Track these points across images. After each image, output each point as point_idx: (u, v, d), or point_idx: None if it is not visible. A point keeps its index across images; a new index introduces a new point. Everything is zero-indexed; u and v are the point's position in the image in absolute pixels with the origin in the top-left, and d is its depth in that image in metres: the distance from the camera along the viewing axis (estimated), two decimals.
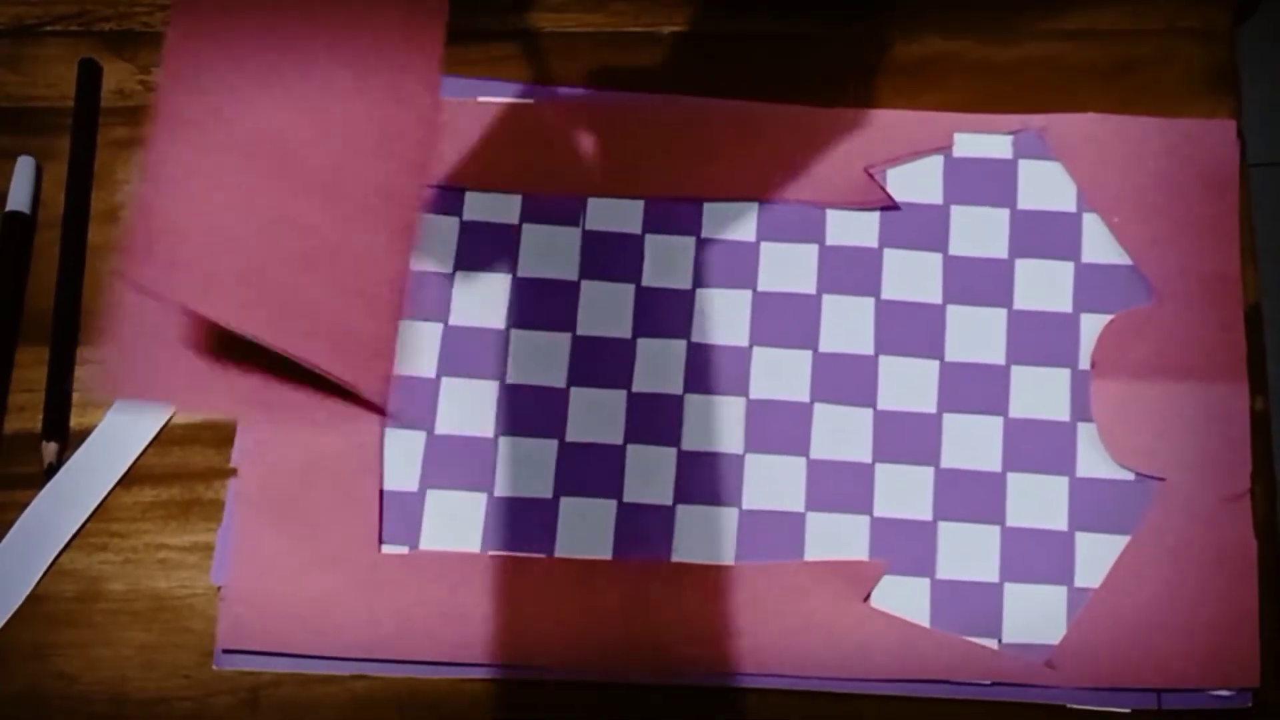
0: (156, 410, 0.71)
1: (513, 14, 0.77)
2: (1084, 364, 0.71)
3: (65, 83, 0.76)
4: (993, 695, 0.68)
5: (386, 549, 0.69)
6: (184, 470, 0.71)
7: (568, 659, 0.68)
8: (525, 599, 0.69)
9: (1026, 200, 0.73)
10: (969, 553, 0.69)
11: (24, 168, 0.75)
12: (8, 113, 0.76)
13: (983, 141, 0.74)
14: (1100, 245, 0.73)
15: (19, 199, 0.74)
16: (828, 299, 0.72)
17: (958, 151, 0.74)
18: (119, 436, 0.71)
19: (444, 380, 0.72)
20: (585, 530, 0.70)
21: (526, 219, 0.74)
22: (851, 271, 0.73)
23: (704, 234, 0.73)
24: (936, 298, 0.72)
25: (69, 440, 0.71)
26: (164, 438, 0.72)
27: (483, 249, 0.74)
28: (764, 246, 0.73)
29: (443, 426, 0.71)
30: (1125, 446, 0.70)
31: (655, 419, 0.71)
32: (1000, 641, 0.68)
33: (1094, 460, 0.70)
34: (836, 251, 0.73)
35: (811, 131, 0.75)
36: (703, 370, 0.72)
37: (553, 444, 0.71)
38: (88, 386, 0.72)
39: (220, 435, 0.71)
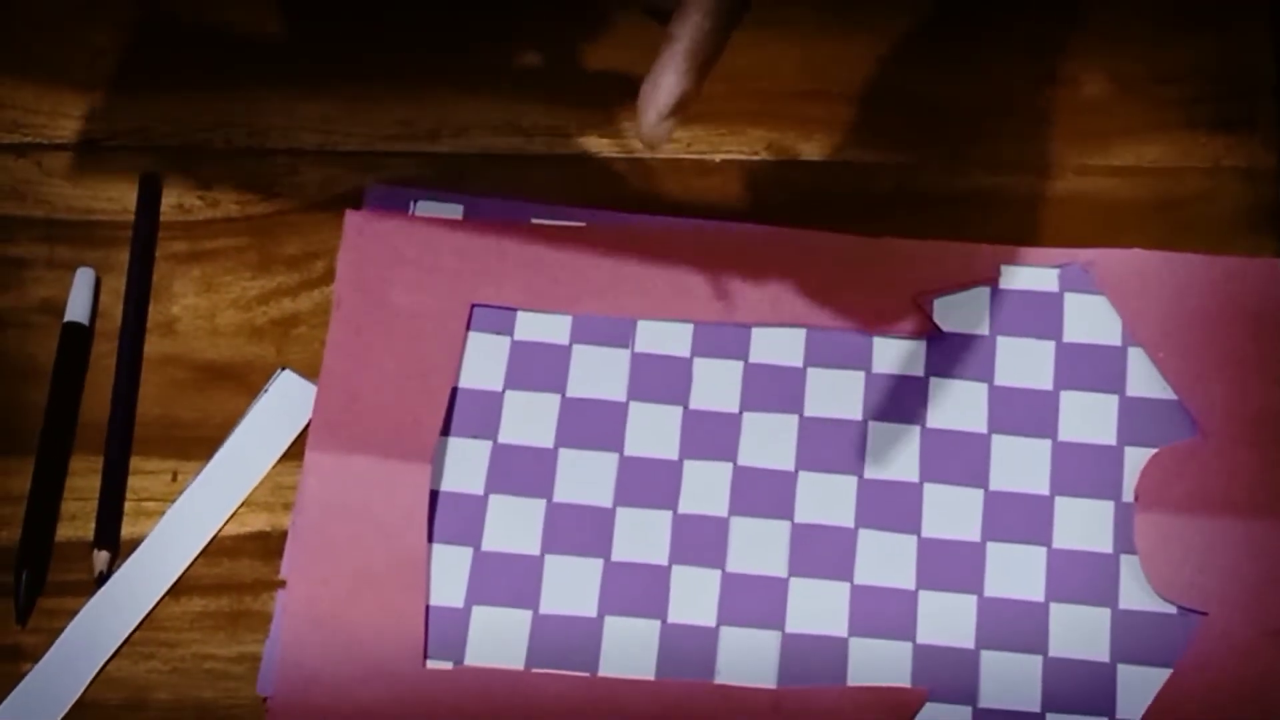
0: (205, 523, 0.72)
1: (566, 137, 0.79)
2: (1127, 496, 0.72)
3: (126, 197, 0.78)
4: None
5: (431, 664, 0.70)
6: (233, 581, 0.72)
7: None
8: (568, 717, 0.69)
9: (1072, 333, 0.74)
10: (1011, 681, 0.69)
11: (83, 279, 0.76)
12: (69, 225, 0.78)
13: (1029, 274, 0.75)
14: (1145, 379, 0.73)
15: (77, 310, 0.75)
16: (873, 425, 0.73)
17: (1004, 284, 0.75)
18: (169, 547, 0.72)
19: (491, 497, 0.72)
20: (629, 650, 0.70)
21: (577, 340, 0.75)
22: (897, 399, 0.73)
23: (752, 358, 0.74)
24: (982, 427, 0.73)
25: (120, 549, 0.72)
26: (213, 549, 0.72)
27: (533, 368, 0.74)
28: (811, 372, 0.74)
29: (489, 543, 0.72)
30: (1168, 579, 0.70)
31: (700, 540, 0.72)
32: None
33: (1136, 592, 0.70)
34: (883, 379, 0.74)
35: (859, 260, 0.76)
36: (748, 493, 0.72)
37: (598, 563, 0.71)
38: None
39: (269, 547, 0.72)
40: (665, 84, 0.63)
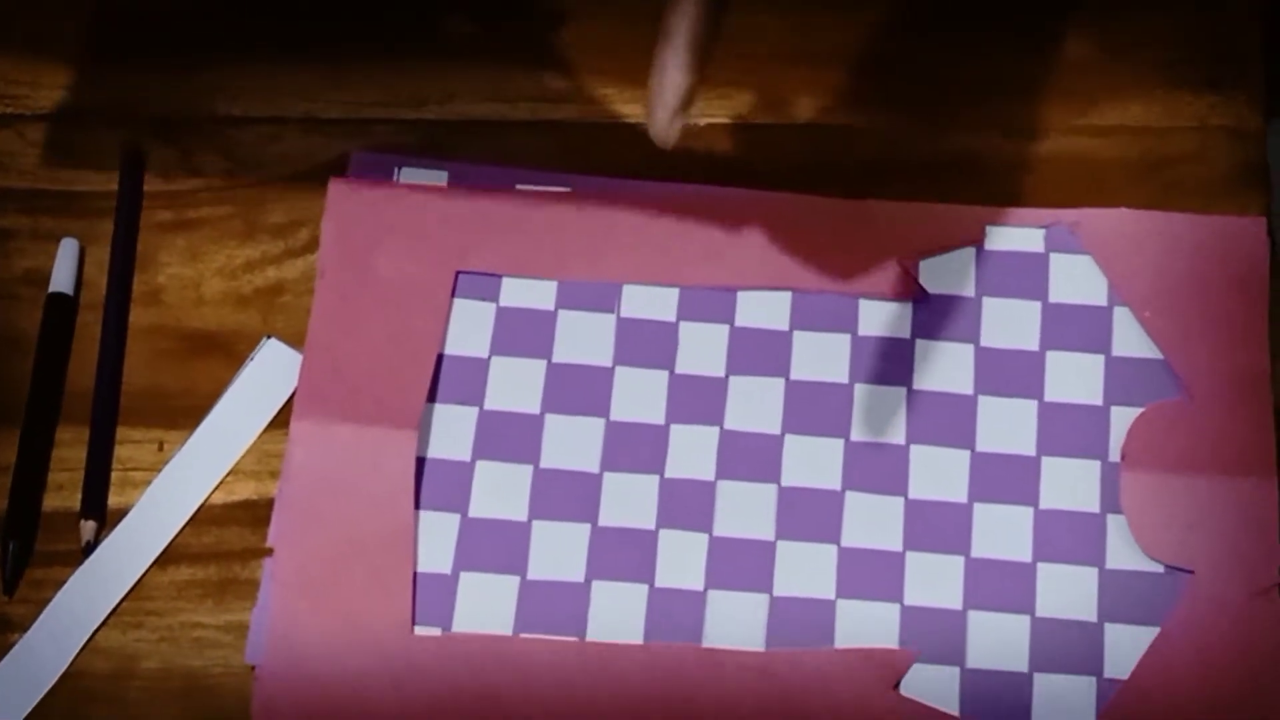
0: (192, 491, 0.72)
1: (550, 103, 0.79)
2: (1114, 456, 0.72)
3: (109, 167, 0.78)
4: None
5: (419, 630, 0.70)
6: (220, 550, 0.72)
7: None
8: (556, 682, 0.69)
9: (1058, 294, 0.74)
10: (999, 642, 0.69)
11: (67, 250, 0.76)
12: (53, 195, 0.78)
13: (1015, 235, 0.75)
14: (1131, 339, 0.73)
15: (62, 280, 0.75)
16: (860, 388, 0.73)
17: (990, 245, 0.75)
18: (156, 516, 0.72)
19: (478, 463, 0.72)
20: (617, 614, 0.70)
21: (562, 305, 0.75)
22: (884, 361, 0.73)
23: (738, 322, 0.74)
24: (968, 388, 0.73)
25: (107, 519, 0.72)
26: (201, 517, 0.72)
27: (518, 334, 0.74)
28: (797, 335, 0.74)
29: (476, 510, 0.72)
30: (1155, 538, 0.70)
31: (687, 504, 0.72)
32: None
33: (1123, 552, 0.70)
34: (869, 341, 0.74)
35: (845, 223, 0.75)
36: (735, 457, 0.72)
37: (585, 528, 0.71)
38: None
39: (257, 515, 0.72)
40: (670, 82, 0.63)
